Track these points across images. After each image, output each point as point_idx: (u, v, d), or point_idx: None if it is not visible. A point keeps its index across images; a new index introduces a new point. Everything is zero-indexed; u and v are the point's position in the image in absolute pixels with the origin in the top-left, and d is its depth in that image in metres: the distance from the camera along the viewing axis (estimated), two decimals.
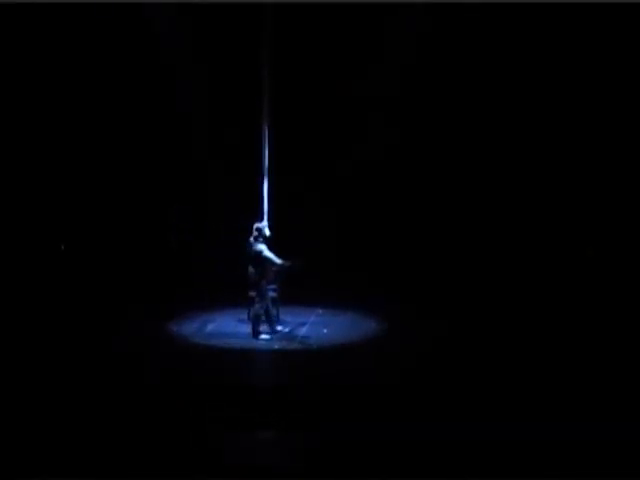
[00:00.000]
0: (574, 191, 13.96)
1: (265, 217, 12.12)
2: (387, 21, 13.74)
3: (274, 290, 12.18)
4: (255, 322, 11.78)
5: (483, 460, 7.45)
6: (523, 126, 14.10)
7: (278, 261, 11.48)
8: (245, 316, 12.53)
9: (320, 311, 13.32)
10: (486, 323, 12.02)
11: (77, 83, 14.16)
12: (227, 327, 12.37)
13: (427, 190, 14.82)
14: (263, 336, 11.77)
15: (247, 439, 8.04)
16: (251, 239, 11.66)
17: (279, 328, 12.06)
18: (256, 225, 11.72)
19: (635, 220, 13.57)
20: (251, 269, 11.81)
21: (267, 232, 11.75)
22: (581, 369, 9.93)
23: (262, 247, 11.62)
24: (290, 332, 12.02)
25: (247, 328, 11.99)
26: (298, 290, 12.41)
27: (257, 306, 11.75)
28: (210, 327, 12.34)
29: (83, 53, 13.93)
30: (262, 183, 12.10)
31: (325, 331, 12.09)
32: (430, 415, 8.35)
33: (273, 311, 12.02)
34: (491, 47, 13.80)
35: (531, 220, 14.27)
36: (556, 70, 13.67)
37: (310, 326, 12.37)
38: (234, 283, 12.88)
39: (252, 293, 12.19)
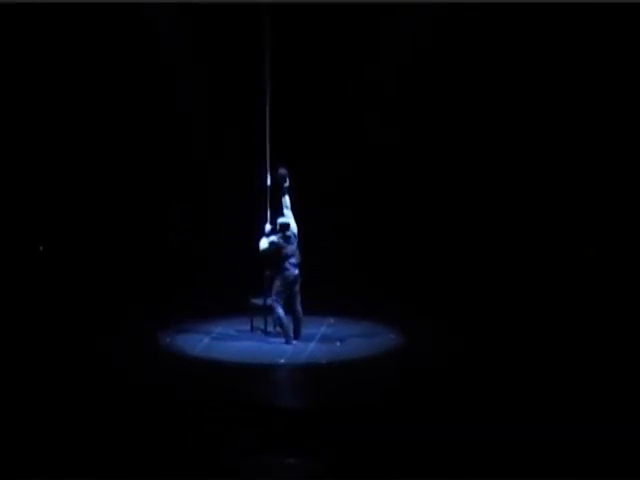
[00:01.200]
0: (574, 191, 13.92)
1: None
2: (385, 20, 13.79)
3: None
4: (299, 324, 11.67)
5: (484, 460, 7.53)
6: (522, 126, 14.00)
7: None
8: (248, 326, 12.29)
9: (332, 320, 12.82)
10: (499, 329, 11.91)
11: (76, 83, 14.09)
12: (228, 338, 12.05)
13: (435, 193, 14.83)
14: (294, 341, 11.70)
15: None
16: (279, 239, 11.53)
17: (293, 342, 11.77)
18: (281, 220, 11.62)
19: (635, 220, 13.52)
20: (294, 270, 11.49)
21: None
22: (581, 368, 9.96)
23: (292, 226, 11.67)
24: (298, 344, 11.60)
25: (249, 339, 11.88)
26: (307, 297, 11.86)
27: (299, 307, 11.62)
28: (210, 337, 11.97)
29: (82, 53, 13.90)
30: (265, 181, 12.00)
31: (338, 344, 11.64)
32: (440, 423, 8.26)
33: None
34: (490, 47, 13.79)
35: (533, 220, 14.24)
36: (554, 70, 13.63)
37: (321, 338, 11.93)
38: (235, 285, 12.96)
39: (256, 301, 12.05)
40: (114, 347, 11.18)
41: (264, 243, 11.58)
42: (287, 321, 11.52)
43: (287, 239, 11.51)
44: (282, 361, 10.76)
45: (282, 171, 11.59)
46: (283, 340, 11.64)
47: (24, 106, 13.79)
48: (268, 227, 11.68)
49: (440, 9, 13.24)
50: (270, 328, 12.05)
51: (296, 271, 11.49)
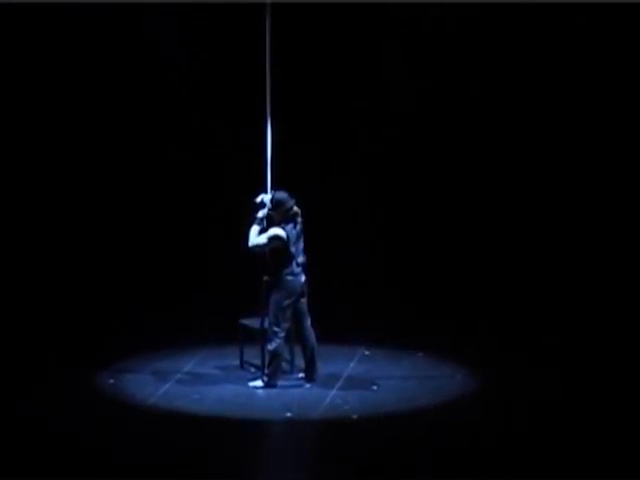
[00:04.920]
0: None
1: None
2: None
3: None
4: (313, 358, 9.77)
5: None
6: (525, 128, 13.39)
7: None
8: (237, 360, 10.36)
9: (366, 352, 10.97)
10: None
11: (74, 83, 13.50)
12: (205, 379, 10.05)
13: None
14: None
15: None
16: (289, 230, 9.32)
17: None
18: (277, 195, 9.38)
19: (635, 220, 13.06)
20: (301, 275, 9.43)
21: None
22: None
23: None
24: (313, 389, 9.63)
25: (236, 381, 9.87)
26: (329, 317, 10.22)
27: (311, 333, 9.61)
28: (180, 377, 9.99)
29: (81, 53, 13.31)
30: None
31: (375, 387, 9.68)
32: None
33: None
34: (491, 48, 13.14)
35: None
36: (553, 73, 13.05)
37: (348, 379, 9.98)
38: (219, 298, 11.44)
39: (249, 322, 10.20)
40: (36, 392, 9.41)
41: (260, 238, 9.35)
42: (283, 358, 9.73)
43: (295, 226, 9.34)
44: (289, 415, 8.85)
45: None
46: (290, 382, 9.69)
47: (19, 107, 13.41)
48: (262, 212, 9.47)
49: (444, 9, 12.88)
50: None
51: (303, 277, 9.54)
